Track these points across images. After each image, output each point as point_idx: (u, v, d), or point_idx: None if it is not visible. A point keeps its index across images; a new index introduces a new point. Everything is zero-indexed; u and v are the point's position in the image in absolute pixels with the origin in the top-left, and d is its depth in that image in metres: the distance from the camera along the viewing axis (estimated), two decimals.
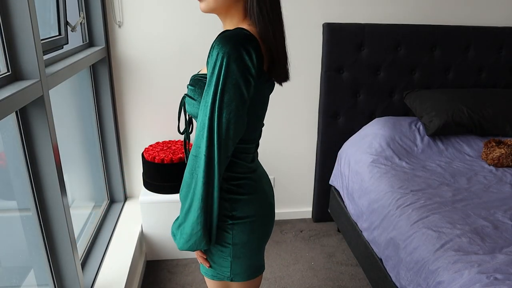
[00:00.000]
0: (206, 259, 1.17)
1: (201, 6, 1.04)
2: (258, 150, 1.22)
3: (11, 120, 1.30)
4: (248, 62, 0.93)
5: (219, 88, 0.93)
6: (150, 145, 2.35)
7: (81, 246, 1.94)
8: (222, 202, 1.09)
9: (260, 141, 1.19)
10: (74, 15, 2.01)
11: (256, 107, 1.06)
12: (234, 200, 1.11)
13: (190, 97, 1.05)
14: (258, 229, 1.15)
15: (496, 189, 1.92)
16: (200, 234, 1.04)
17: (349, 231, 2.26)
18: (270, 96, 1.15)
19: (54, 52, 1.68)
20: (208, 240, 1.06)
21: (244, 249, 1.14)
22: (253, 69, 0.95)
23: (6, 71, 1.26)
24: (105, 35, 2.19)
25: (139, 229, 2.25)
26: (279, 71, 1.06)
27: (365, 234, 2.02)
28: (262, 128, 1.17)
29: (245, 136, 1.06)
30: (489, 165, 2.18)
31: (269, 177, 2.64)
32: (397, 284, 1.65)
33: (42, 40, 1.48)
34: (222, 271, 1.16)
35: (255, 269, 1.20)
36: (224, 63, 0.91)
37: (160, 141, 2.45)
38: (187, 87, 1.07)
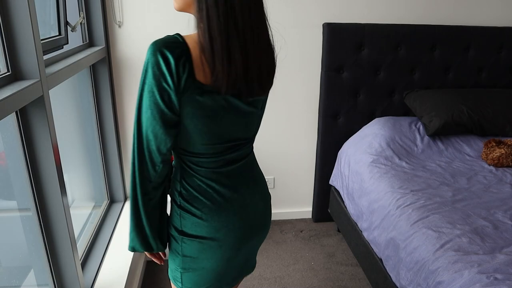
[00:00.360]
0: (158, 258, 1.15)
1: (174, 5, 1.00)
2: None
3: (11, 120, 1.30)
4: (164, 68, 0.88)
5: (139, 94, 0.92)
6: None
7: (81, 246, 1.94)
8: (174, 213, 1.08)
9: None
10: (74, 15, 2.01)
11: (201, 120, 0.96)
12: (183, 216, 1.06)
13: None
14: (213, 252, 1.08)
15: (496, 189, 1.92)
16: (132, 236, 1.05)
17: (349, 231, 2.26)
18: (270, 94, 1.13)
19: (54, 52, 1.68)
20: (141, 244, 1.05)
21: (194, 265, 1.09)
22: (170, 76, 0.88)
23: (6, 71, 1.26)
24: (105, 35, 2.19)
25: None
26: (227, 84, 0.92)
27: (365, 234, 2.02)
28: (240, 144, 1.07)
29: (192, 148, 1.01)
30: (489, 165, 2.18)
31: (269, 177, 2.68)
32: (397, 284, 1.65)
33: (42, 40, 1.48)
34: (177, 280, 1.14)
35: None
36: (144, 69, 0.91)
37: None
38: None
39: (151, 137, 0.94)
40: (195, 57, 0.91)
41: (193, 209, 1.05)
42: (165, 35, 0.94)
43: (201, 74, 0.92)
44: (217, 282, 1.15)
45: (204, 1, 0.88)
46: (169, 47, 0.89)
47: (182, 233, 1.07)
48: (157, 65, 0.88)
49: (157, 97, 0.90)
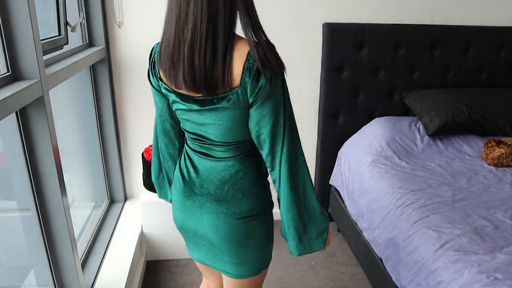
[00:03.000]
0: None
1: None
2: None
3: (11, 120, 1.30)
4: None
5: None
6: (150, 145, 2.35)
7: (81, 246, 1.94)
8: None
9: None
10: (74, 15, 2.01)
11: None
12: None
13: None
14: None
15: (496, 188, 1.92)
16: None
17: (349, 231, 2.26)
18: None
19: (54, 52, 1.68)
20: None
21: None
22: (149, 72, 1.10)
23: (6, 71, 1.26)
24: (105, 35, 2.19)
25: (139, 229, 2.25)
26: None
27: (365, 234, 2.02)
28: (213, 143, 1.09)
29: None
30: (489, 164, 2.18)
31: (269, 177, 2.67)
32: (397, 284, 1.65)
33: (42, 40, 1.48)
34: None
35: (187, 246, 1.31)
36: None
37: None
38: None
39: None
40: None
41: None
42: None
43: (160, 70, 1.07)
44: (186, 242, 1.29)
45: None
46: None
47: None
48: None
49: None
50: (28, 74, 1.29)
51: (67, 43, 1.83)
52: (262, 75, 0.94)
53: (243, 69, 0.94)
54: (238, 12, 0.95)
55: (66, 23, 1.82)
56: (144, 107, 2.40)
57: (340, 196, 2.43)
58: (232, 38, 0.96)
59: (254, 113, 1.00)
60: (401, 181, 1.97)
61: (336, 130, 2.56)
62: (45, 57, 1.48)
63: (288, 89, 1.03)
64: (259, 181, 1.14)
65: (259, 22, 0.97)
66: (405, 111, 2.58)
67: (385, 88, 2.52)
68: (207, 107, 1.01)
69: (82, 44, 2.05)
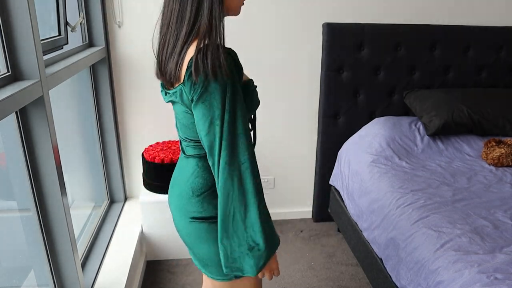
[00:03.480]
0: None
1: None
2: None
3: (11, 120, 1.30)
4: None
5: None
6: (150, 145, 2.35)
7: (81, 246, 1.94)
8: None
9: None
10: (74, 15, 2.01)
11: None
12: None
13: None
14: None
15: (496, 188, 1.92)
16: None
17: (349, 231, 2.26)
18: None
19: (54, 52, 1.68)
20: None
21: None
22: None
23: (6, 71, 1.26)
24: (105, 35, 2.19)
25: (139, 229, 2.25)
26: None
27: (365, 234, 2.02)
28: (181, 136, 1.16)
29: None
30: (489, 164, 2.18)
31: (269, 177, 2.68)
32: (397, 284, 1.65)
33: (42, 40, 1.48)
34: None
35: None
36: None
37: (160, 141, 2.45)
38: None
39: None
40: None
41: None
42: None
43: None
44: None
45: None
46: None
47: None
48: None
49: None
50: (28, 74, 1.29)
51: (67, 43, 1.83)
52: (195, 77, 0.95)
53: (186, 67, 0.97)
54: (202, 14, 0.98)
55: (66, 23, 1.82)
56: (144, 107, 2.40)
57: (340, 196, 2.43)
58: (192, 37, 0.99)
59: (194, 113, 1.01)
60: (401, 181, 1.97)
61: (336, 130, 2.56)
62: (45, 57, 1.48)
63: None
64: (211, 185, 1.11)
65: (220, 28, 0.99)
66: (405, 111, 2.58)
67: (385, 88, 2.52)
68: (168, 100, 1.09)
69: (82, 44, 2.05)
